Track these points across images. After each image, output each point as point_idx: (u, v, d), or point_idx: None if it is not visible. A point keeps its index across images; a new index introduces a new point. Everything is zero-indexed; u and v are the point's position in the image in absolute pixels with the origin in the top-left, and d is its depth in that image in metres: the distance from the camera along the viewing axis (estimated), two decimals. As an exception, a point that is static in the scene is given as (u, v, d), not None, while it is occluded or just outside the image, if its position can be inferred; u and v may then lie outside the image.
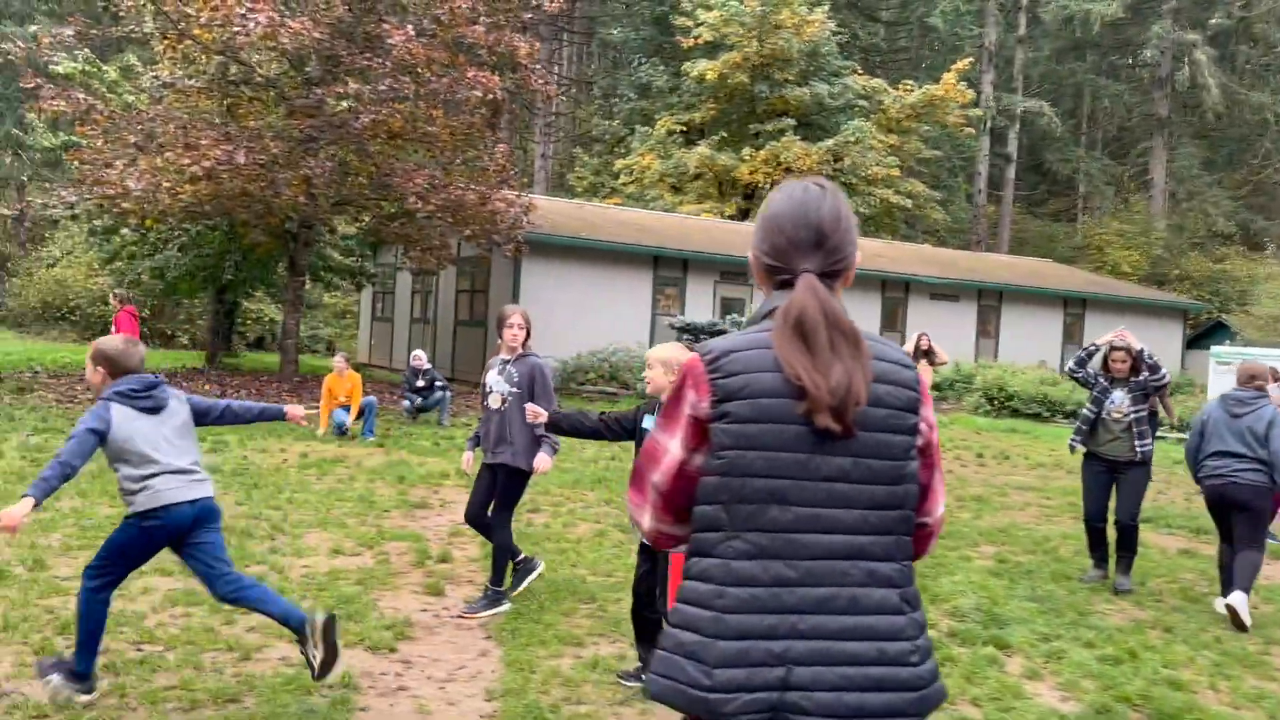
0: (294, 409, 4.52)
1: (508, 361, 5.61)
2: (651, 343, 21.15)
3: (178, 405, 4.18)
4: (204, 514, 4.15)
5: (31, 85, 14.72)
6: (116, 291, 13.11)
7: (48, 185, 18.29)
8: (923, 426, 1.94)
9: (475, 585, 6.09)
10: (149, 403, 4.06)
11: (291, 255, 18.04)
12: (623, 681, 4.61)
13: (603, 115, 44.20)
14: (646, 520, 1.95)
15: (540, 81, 17.70)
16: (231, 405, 4.40)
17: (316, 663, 3.97)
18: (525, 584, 5.82)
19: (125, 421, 3.98)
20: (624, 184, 36.25)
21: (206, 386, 16.66)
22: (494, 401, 5.60)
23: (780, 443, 1.82)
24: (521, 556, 5.84)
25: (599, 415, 4.86)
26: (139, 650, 4.63)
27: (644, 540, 4.36)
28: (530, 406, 5.04)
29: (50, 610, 5.06)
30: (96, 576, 4.05)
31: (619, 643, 5.14)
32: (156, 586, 5.61)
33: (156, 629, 4.91)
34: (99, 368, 4.13)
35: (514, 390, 5.51)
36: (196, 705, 4.08)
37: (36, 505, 3.72)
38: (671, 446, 1.89)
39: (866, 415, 1.84)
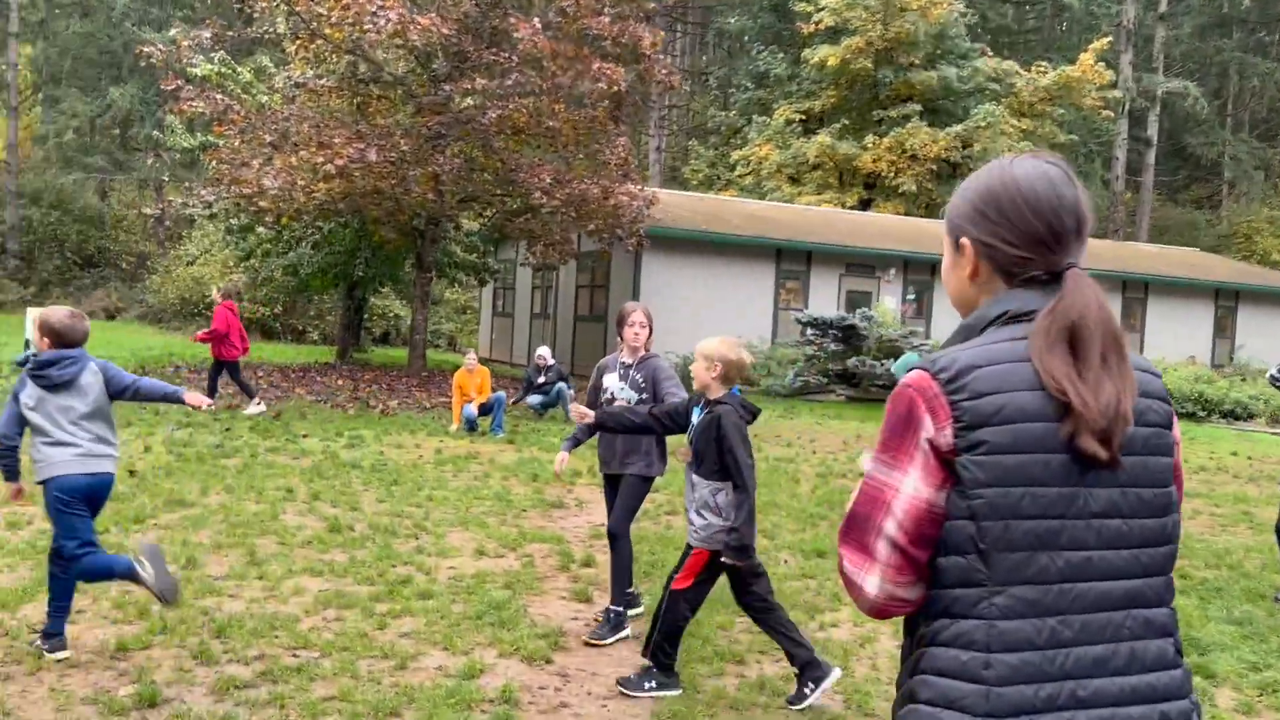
0: (194, 396, 4.59)
1: (629, 365, 5.17)
2: (774, 338, 20.69)
3: (91, 380, 4.33)
4: (98, 489, 4.38)
5: (172, 87, 15.21)
6: (220, 286, 13.46)
7: (187, 185, 18.91)
8: (1176, 444, 1.63)
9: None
10: (54, 380, 4.26)
11: (419, 252, 18.24)
12: (791, 706, 4.28)
13: (718, 106, 43.72)
14: (873, 584, 1.55)
15: (664, 72, 17.41)
16: (140, 383, 4.48)
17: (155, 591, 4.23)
18: (614, 639, 5.03)
19: (32, 397, 4.26)
20: (740, 176, 35.76)
21: (339, 381, 16.97)
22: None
23: (1046, 476, 1.49)
24: (621, 610, 5.15)
25: (649, 410, 4.57)
26: (295, 656, 4.51)
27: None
28: (575, 407, 4.72)
29: (205, 612, 5.01)
30: (71, 538, 4.29)
31: (781, 661, 4.79)
32: (307, 588, 5.54)
33: (311, 633, 4.80)
34: (45, 339, 4.36)
35: (640, 398, 5.08)
36: (357, 718, 3.92)
37: None
38: (907, 486, 1.53)
39: (1132, 436, 1.52)
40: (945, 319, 21.75)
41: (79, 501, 4.28)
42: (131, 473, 8.47)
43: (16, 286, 36.36)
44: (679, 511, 8.30)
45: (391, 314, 33.00)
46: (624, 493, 5.14)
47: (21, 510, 6.94)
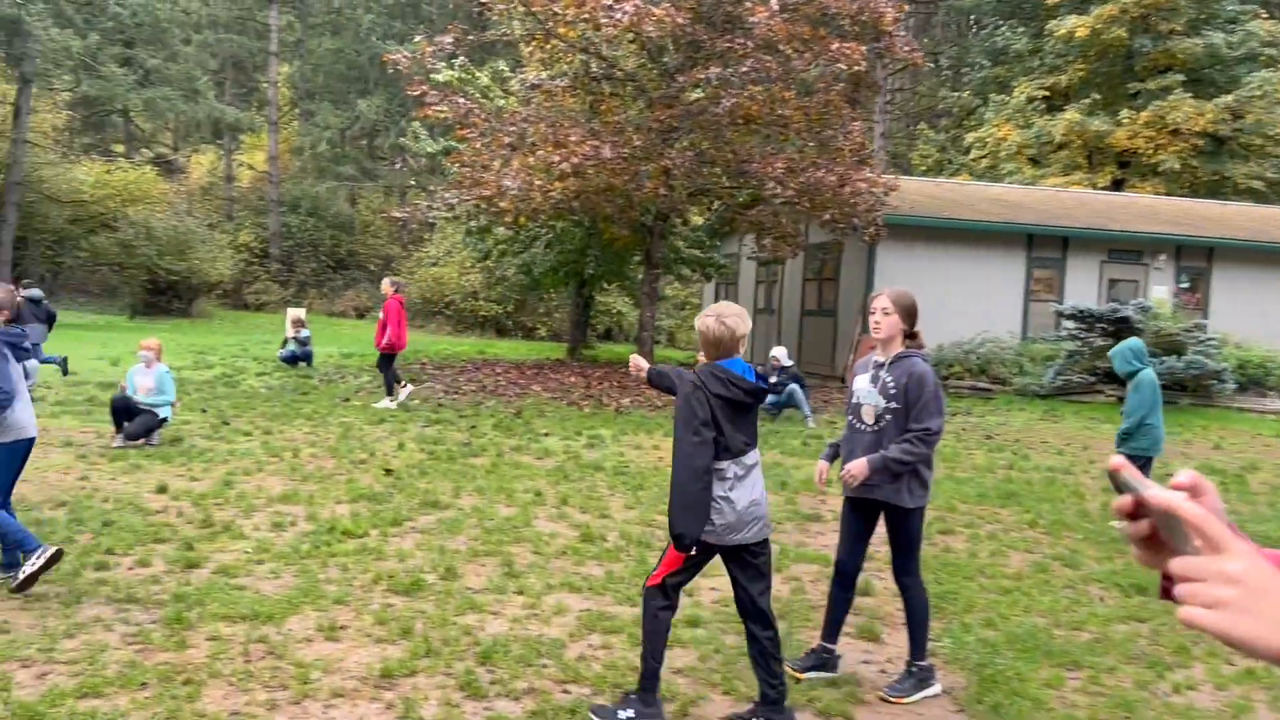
0: None
1: (881, 365, 4.30)
2: (1025, 333, 19.09)
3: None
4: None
5: (418, 92, 15.65)
6: (393, 280, 13.58)
7: (431, 189, 19.60)
8: None
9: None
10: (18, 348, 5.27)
11: (647, 248, 18.03)
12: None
13: (950, 87, 41.43)
14: None
15: (906, 48, 16.32)
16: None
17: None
18: (919, 696, 4.27)
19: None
20: (975, 159, 33.68)
21: (572, 378, 17.01)
22: (866, 416, 4.29)
23: None
24: (927, 664, 4.34)
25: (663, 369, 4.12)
26: (566, 693, 4.12)
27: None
28: (634, 359, 4.21)
29: (469, 631, 4.72)
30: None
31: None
32: (568, 606, 5.17)
33: (579, 664, 4.40)
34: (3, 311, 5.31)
35: (890, 406, 4.21)
36: (639, 775, 3.44)
37: None
38: None
39: None
40: (1226, 310, 19.33)
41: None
42: (387, 471, 8.53)
43: (278, 288, 39.50)
44: (955, 530, 7.45)
45: (614, 310, 33.36)
46: (891, 538, 4.33)
47: (284, 510, 7.04)
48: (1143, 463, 6.92)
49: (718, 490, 3.68)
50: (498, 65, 18.96)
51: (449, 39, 16.00)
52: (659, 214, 17.23)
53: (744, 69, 14.42)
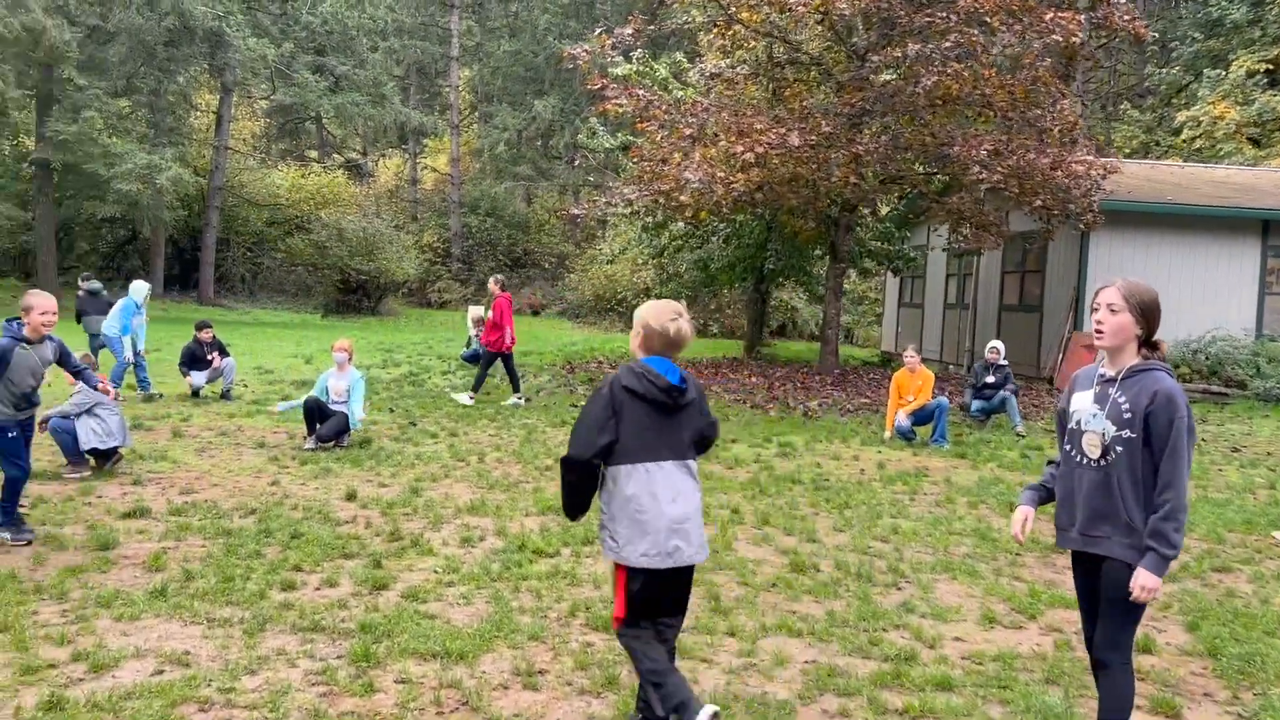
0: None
1: (1110, 380, 3.27)
2: (1260, 329, 17.04)
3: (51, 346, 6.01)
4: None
5: (598, 86, 15.30)
6: (497, 277, 13.08)
7: (608, 186, 19.30)
8: None
9: (1218, 704, 4.16)
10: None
11: (832, 241, 17.09)
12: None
13: (1157, 63, 38.19)
14: None
15: (1125, 18, 14.74)
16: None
17: None
18: None
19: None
20: (1187, 139, 30.79)
21: (752, 379, 16.29)
22: (1090, 447, 3.26)
23: None
24: None
25: None
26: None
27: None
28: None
29: (680, 682, 4.10)
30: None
31: None
32: (789, 654, 4.48)
33: (813, 735, 3.71)
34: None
35: (1123, 434, 3.18)
36: None
37: None
38: None
39: None
40: None
41: None
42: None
43: (459, 286, 40.55)
44: (1232, 566, 6.32)
45: (787, 306, 32.37)
46: (1105, 598, 3.22)
47: (472, 523, 6.67)
48: None
49: (626, 500, 3.39)
50: (675, 57, 18.43)
51: (629, 30, 15.57)
52: (846, 205, 16.28)
53: (946, 44, 13.30)
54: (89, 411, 7.72)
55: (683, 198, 14.24)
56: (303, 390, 13.36)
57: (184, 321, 26.06)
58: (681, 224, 19.13)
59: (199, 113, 36.49)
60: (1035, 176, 14.09)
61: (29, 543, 5.74)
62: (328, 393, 9.62)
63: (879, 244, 18.99)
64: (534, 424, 11.18)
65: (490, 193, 43.17)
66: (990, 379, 12.31)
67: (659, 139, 15.01)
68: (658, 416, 3.40)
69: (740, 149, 13.66)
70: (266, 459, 8.78)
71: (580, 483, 3.41)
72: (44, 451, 8.20)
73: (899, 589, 5.58)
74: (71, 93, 25.27)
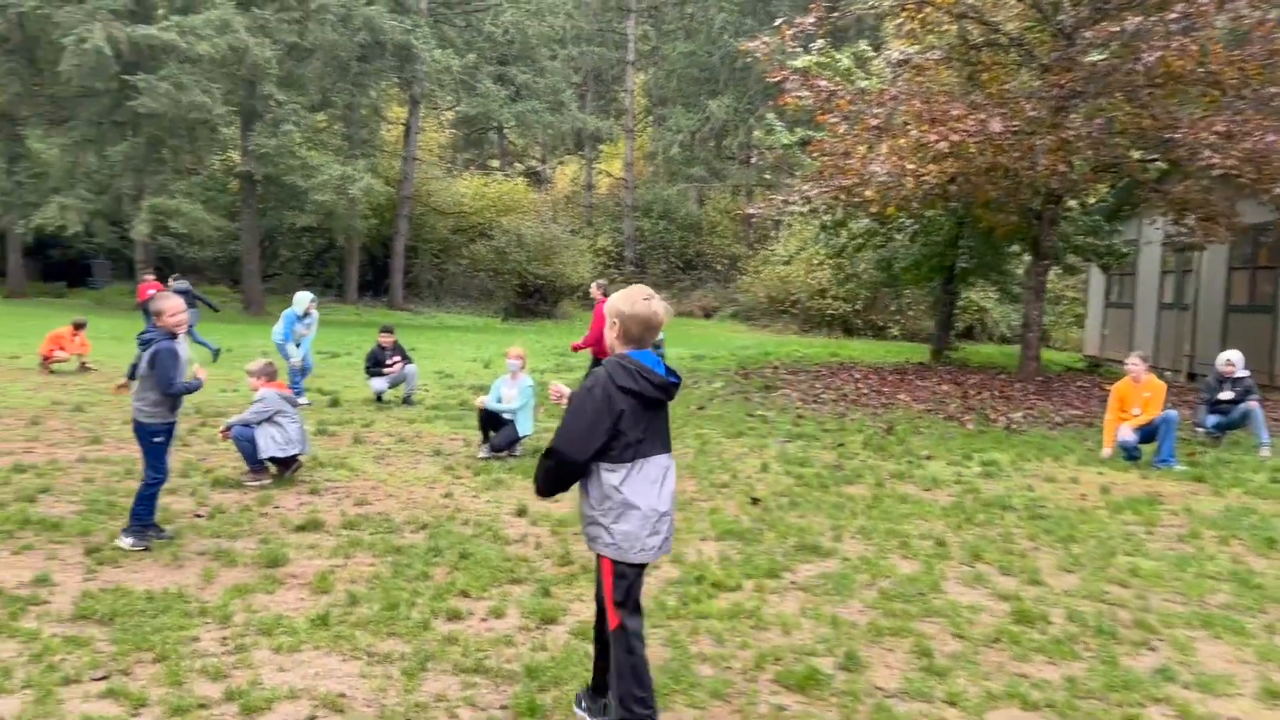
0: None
1: None
2: None
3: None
4: None
5: (778, 78, 14.62)
6: (599, 282, 12.32)
7: (786, 183, 18.57)
8: None
9: None
10: None
11: (1034, 236, 15.73)
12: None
13: None
14: None
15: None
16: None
17: None
18: None
19: None
20: None
21: (943, 386, 15.18)
22: None
23: None
24: None
25: None
26: None
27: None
28: (555, 386, 3.92)
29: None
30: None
31: None
32: (1022, 733, 3.73)
33: None
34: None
35: None
36: None
37: None
38: None
39: None
40: None
41: None
42: (754, 500, 7.48)
43: (632, 290, 40.64)
44: None
45: (976, 307, 30.55)
46: None
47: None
48: None
49: (615, 491, 3.36)
50: (859, 47, 17.48)
51: (810, 20, 14.79)
52: (1050, 196, 14.93)
53: (1171, 16, 11.88)
54: (270, 419, 7.72)
55: (868, 192, 13.36)
56: (480, 395, 13.33)
57: (376, 326, 27.09)
58: (865, 221, 18.16)
59: (389, 125, 37.99)
60: (1275, 161, 12.44)
61: (147, 549, 5.72)
62: (500, 400, 9.41)
63: (1085, 239, 17.38)
64: (708, 435, 10.65)
65: (663, 195, 43.04)
66: (1227, 394, 10.84)
67: (841, 132, 14.16)
68: (649, 412, 3.39)
69: (933, 138, 12.67)
70: (441, 468, 8.61)
71: (566, 477, 3.41)
72: (229, 457, 8.30)
73: (1151, 649, 4.68)
74: (272, 108, 26.67)
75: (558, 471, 3.38)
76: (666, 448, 3.47)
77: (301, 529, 6.41)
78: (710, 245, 43.74)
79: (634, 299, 3.41)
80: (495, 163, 50.49)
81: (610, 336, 3.44)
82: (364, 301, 34.23)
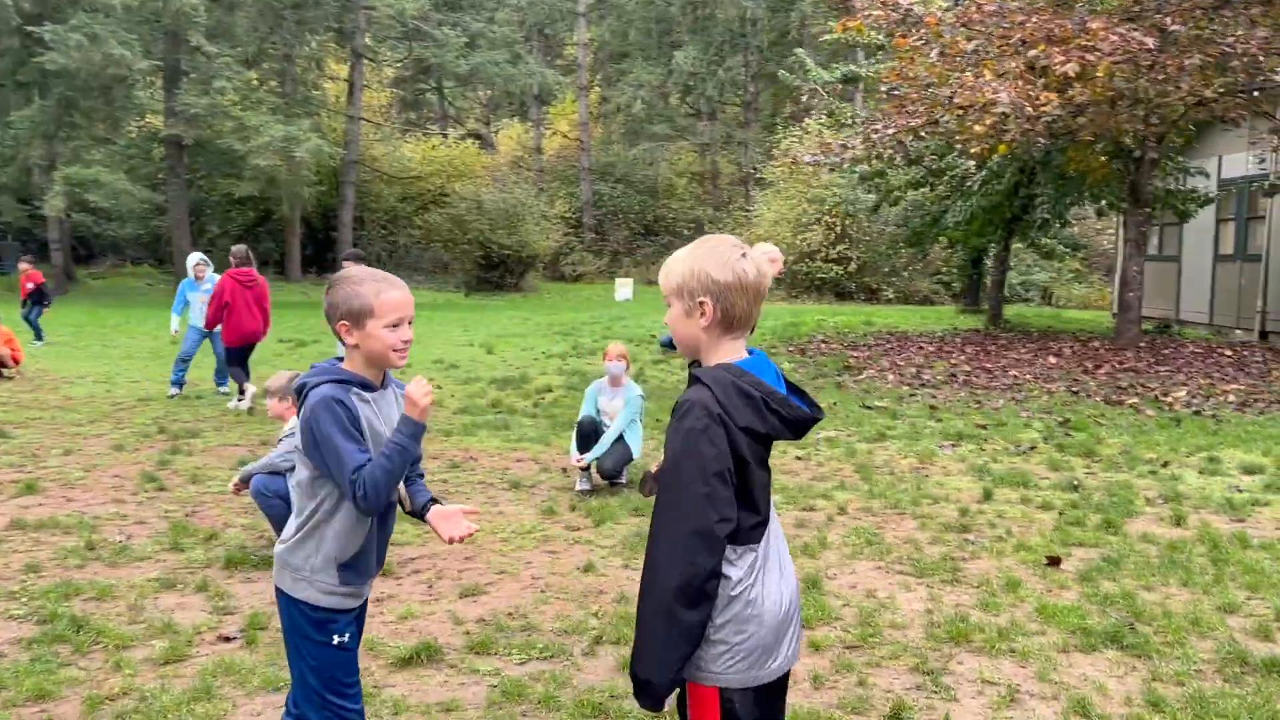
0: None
1: None
2: None
3: None
4: None
5: (847, -2, 12.17)
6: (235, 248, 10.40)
7: (806, 130, 16.14)
8: None
9: None
10: None
11: (1132, 180, 13.58)
12: None
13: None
14: None
15: None
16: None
17: None
18: None
19: None
20: None
21: (1048, 359, 12.95)
22: None
23: None
24: None
25: None
26: None
27: None
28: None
29: None
30: None
31: None
32: None
33: None
34: None
35: None
36: None
37: None
38: None
39: None
40: None
41: None
42: (1053, 561, 5.08)
43: (592, 258, 37.97)
44: None
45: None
46: None
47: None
48: None
49: (734, 589, 1.96)
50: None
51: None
52: (1160, 134, 12.77)
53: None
54: (307, 463, 5.07)
55: (978, 127, 10.99)
56: (509, 391, 10.74)
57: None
58: (908, 171, 15.88)
59: (331, 81, 34.47)
60: None
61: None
62: (599, 414, 6.85)
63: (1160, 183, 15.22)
64: (838, 438, 8.25)
65: (626, 157, 40.32)
66: None
67: (933, 55, 11.72)
68: (765, 454, 2.03)
69: (1059, 58, 10.35)
70: (538, 511, 6.08)
71: (699, 597, 1.90)
72: (236, 514, 5.62)
73: None
74: (200, 63, 23.26)
75: (686, 595, 1.88)
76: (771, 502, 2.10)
77: (410, 663, 3.83)
78: (669, 209, 41.25)
79: (725, 258, 2.00)
80: (434, 127, 47.08)
81: (698, 323, 2.01)
82: (309, 278, 30.98)
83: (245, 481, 5.08)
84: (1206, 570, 4.87)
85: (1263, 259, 17.48)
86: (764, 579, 2.05)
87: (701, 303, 1.99)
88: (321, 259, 32.15)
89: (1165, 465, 7.22)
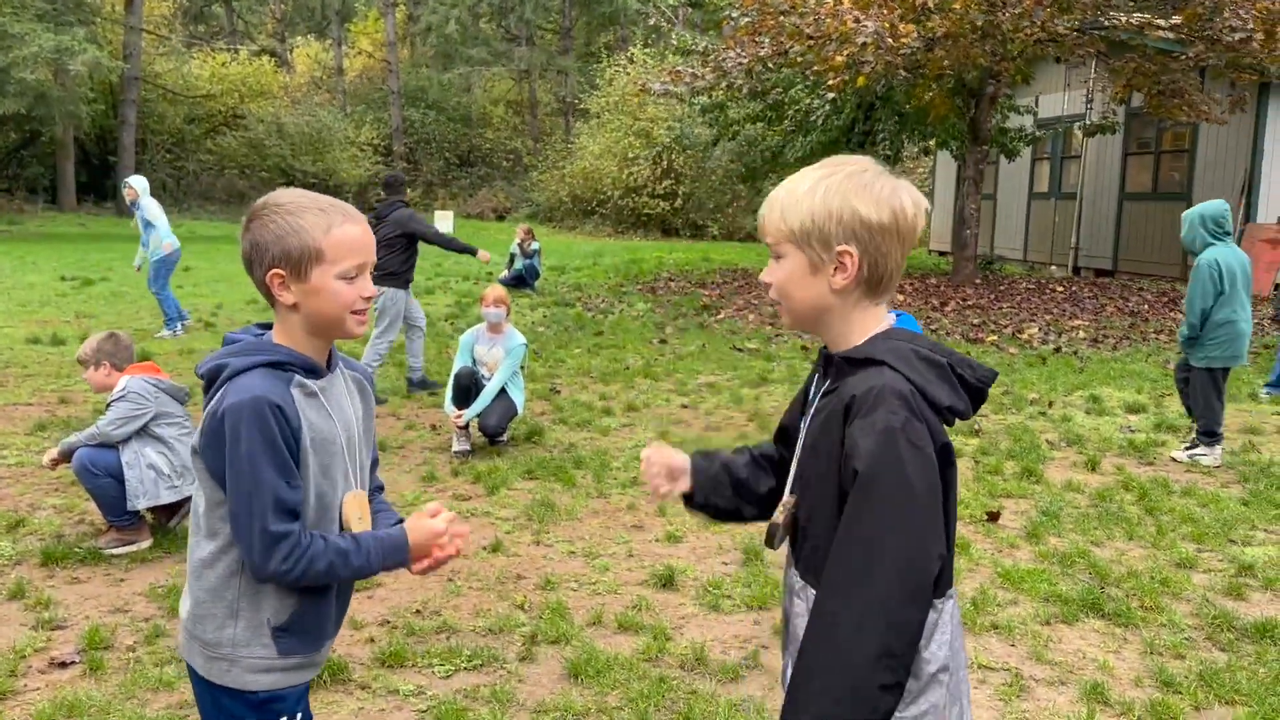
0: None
1: None
2: None
3: None
4: None
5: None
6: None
7: (632, 56, 15.52)
8: None
9: None
10: None
11: (971, 118, 13.75)
12: None
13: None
14: None
15: None
16: None
17: None
18: None
19: None
20: None
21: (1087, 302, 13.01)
22: None
23: None
24: None
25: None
26: None
27: None
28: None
29: None
30: None
31: None
32: None
33: None
34: None
35: None
36: None
37: None
38: None
39: None
40: None
41: None
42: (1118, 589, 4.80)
43: (406, 190, 36.11)
44: None
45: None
46: None
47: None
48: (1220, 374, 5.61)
49: (934, 663, 1.41)
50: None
51: None
52: (993, 71, 12.90)
53: None
54: (145, 431, 4.09)
55: (837, 57, 10.66)
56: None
57: (111, 239, 21.51)
58: (750, 104, 15.56)
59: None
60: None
61: None
62: (476, 364, 6.07)
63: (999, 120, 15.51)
64: (715, 382, 7.82)
65: (438, 81, 38.22)
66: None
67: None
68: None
69: (922, -10, 10.14)
70: (414, 478, 5.32)
71: (908, 649, 1.34)
72: (55, 495, 4.55)
73: None
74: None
75: (889, 668, 1.29)
76: None
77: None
78: (485, 139, 39.61)
79: (877, 192, 1.42)
80: (221, 43, 43.09)
81: (819, 287, 1.44)
82: (85, 209, 27.75)
83: (66, 456, 4.05)
84: (1144, 521, 4.71)
85: (1077, 196, 18.38)
86: (956, 635, 1.47)
87: (842, 253, 1.41)
88: (99, 186, 28.84)
89: (1050, 405, 7.19)
